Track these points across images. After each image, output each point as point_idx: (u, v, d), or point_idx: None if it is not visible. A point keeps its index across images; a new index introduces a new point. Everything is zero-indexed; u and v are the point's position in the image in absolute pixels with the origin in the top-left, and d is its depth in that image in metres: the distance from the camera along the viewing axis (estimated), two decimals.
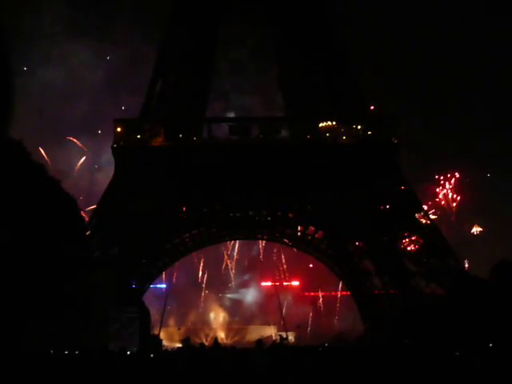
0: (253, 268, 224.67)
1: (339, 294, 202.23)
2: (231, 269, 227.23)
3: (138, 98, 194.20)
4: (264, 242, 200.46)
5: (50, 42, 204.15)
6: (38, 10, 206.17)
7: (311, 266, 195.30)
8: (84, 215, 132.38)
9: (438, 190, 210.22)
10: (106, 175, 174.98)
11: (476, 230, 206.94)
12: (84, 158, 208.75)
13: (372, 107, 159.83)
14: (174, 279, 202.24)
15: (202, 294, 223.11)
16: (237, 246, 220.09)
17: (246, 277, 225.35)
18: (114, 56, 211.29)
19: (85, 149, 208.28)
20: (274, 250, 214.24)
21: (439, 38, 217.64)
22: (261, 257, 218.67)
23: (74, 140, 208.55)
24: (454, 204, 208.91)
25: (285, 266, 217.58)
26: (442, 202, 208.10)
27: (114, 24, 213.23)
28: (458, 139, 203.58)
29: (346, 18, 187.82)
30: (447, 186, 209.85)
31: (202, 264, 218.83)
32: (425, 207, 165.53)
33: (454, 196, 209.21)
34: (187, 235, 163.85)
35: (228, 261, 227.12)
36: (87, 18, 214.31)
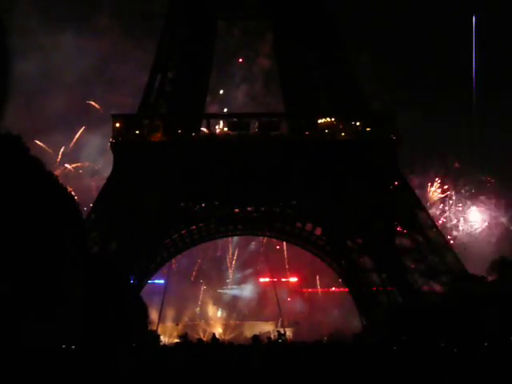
0: (251, 264, 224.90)
1: (337, 290, 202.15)
2: (229, 265, 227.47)
3: (119, 91, 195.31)
4: (264, 238, 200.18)
5: (24, 35, 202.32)
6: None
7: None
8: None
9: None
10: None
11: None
12: (83, 128, 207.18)
13: (370, 105, 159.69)
14: (172, 275, 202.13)
15: (200, 289, 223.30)
16: (235, 241, 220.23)
17: (245, 272, 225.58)
18: (93, 49, 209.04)
19: (101, 111, 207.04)
20: (277, 247, 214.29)
21: (439, 34, 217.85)
22: (261, 249, 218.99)
23: (93, 103, 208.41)
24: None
25: (286, 265, 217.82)
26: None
27: (92, 16, 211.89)
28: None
29: (346, 15, 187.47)
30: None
31: (199, 260, 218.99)
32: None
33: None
34: (185, 231, 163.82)
35: (226, 257, 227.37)
36: (65, 10, 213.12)
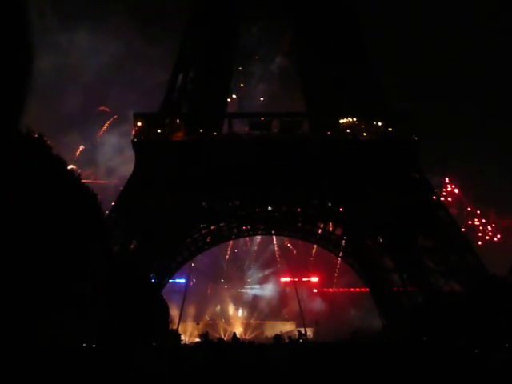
0: (271, 263, 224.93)
1: (357, 290, 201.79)
2: (250, 264, 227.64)
3: (134, 90, 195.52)
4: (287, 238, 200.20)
5: (39, 33, 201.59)
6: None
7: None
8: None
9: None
10: None
11: None
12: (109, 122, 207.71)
13: (393, 104, 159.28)
14: (193, 274, 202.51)
15: (221, 289, 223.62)
16: (257, 241, 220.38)
17: (266, 272, 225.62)
18: (108, 48, 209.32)
19: (113, 115, 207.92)
20: (290, 247, 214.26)
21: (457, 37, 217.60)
22: (281, 249, 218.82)
23: (104, 108, 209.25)
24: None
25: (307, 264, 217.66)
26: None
27: (107, 15, 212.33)
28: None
29: (369, 16, 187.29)
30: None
31: (220, 259, 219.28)
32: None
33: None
34: (207, 230, 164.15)
35: (247, 256, 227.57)
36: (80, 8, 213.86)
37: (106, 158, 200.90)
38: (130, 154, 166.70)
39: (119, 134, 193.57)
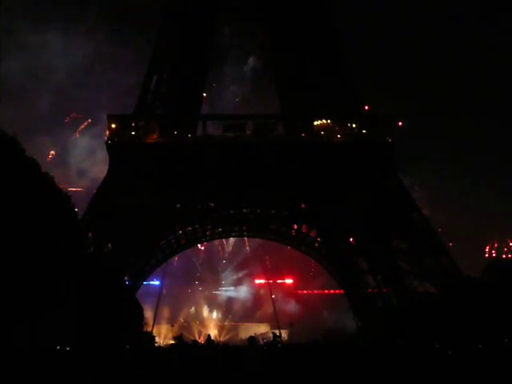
0: (246, 265, 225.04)
1: (332, 292, 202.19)
2: (224, 266, 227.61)
3: (105, 92, 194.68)
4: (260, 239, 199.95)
5: (9, 34, 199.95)
6: None
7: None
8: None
9: None
10: None
11: None
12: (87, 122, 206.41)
13: (366, 107, 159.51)
14: (167, 276, 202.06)
15: (195, 291, 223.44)
16: (231, 243, 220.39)
17: (240, 274, 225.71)
18: (80, 49, 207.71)
19: (85, 120, 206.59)
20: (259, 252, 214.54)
21: (437, 38, 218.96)
22: (257, 251, 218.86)
23: (74, 115, 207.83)
24: None
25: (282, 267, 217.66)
26: None
27: (79, 16, 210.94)
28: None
29: (343, 18, 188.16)
30: None
31: (195, 261, 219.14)
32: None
33: None
34: (181, 232, 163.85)
35: (221, 258, 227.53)
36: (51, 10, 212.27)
37: (78, 160, 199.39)
38: (101, 156, 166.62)
39: (91, 136, 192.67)
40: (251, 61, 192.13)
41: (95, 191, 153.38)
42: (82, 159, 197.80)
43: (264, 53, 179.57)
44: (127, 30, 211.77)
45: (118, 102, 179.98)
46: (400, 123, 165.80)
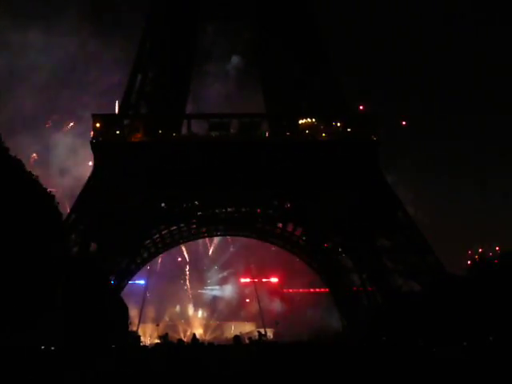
0: (232, 264, 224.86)
1: (317, 290, 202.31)
2: (210, 265, 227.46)
3: (87, 91, 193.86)
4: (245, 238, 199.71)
5: None
6: None
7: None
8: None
9: None
10: None
11: None
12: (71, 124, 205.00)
13: (361, 107, 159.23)
14: (153, 275, 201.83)
15: (181, 290, 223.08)
16: (216, 242, 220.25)
17: (225, 273, 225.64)
18: (62, 48, 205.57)
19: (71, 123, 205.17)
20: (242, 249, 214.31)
21: (425, 38, 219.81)
22: (242, 250, 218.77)
23: (50, 124, 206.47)
24: None
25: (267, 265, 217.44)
26: None
27: (61, 15, 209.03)
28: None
29: (329, 17, 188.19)
30: None
31: (180, 260, 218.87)
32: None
33: None
34: (166, 231, 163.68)
35: (207, 257, 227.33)
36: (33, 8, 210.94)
37: (59, 159, 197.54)
38: (83, 155, 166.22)
39: (73, 135, 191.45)
40: (234, 59, 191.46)
41: (80, 191, 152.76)
42: (63, 158, 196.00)
43: (247, 51, 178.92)
44: (110, 28, 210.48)
45: (101, 100, 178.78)
46: (404, 122, 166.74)
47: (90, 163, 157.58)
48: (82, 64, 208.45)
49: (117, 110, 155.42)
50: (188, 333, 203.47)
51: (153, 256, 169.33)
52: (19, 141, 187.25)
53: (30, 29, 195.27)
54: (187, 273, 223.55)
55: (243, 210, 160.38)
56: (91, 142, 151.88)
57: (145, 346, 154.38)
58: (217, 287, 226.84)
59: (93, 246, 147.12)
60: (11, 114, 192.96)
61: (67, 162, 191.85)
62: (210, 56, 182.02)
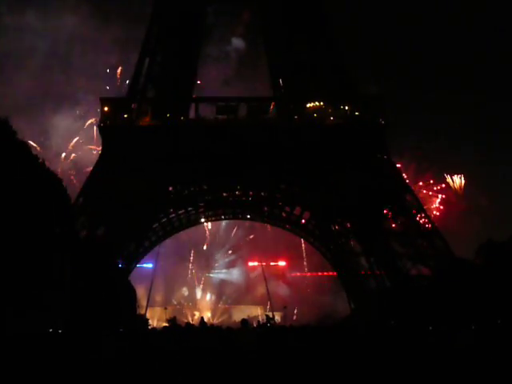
0: (240, 248, 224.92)
1: (325, 274, 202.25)
2: (218, 249, 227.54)
3: (85, 74, 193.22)
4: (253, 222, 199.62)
5: None
6: None
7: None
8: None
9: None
10: None
11: None
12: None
13: (362, 88, 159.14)
14: (161, 259, 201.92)
15: (189, 273, 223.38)
16: (224, 225, 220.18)
17: (233, 257, 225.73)
18: (59, 31, 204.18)
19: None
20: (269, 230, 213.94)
21: (430, 24, 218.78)
22: (251, 237, 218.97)
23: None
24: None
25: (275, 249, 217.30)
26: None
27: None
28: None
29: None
30: None
31: (188, 244, 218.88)
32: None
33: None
34: (174, 215, 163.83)
35: (215, 241, 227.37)
36: None
37: (58, 142, 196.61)
38: (82, 138, 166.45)
39: (73, 118, 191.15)
40: (235, 41, 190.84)
41: (88, 175, 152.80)
42: (62, 142, 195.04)
43: (248, 33, 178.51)
44: (107, 8, 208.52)
45: (99, 83, 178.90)
46: None
47: (89, 147, 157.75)
48: (79, 46, 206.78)
49: (111, 93, 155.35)
50: (196, 316, 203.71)
51: (161, 240, 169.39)
52: (17, 125, 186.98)
53: (26, 11, 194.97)
54: (195, 256, 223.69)
55: (251, 193, 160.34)
56: (99, 126, 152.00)
57: (153, 329, 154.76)
58: (225, 270, 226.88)
59: (101, 230, 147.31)
60: (5, 98, 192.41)
61: (65, 145, 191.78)
62: (211, 38, 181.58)
